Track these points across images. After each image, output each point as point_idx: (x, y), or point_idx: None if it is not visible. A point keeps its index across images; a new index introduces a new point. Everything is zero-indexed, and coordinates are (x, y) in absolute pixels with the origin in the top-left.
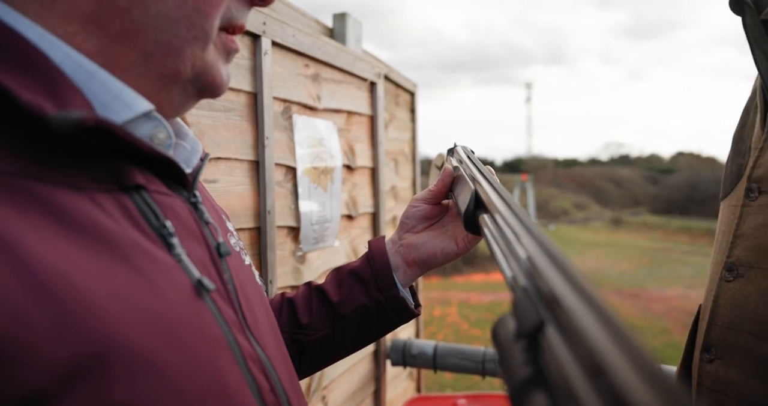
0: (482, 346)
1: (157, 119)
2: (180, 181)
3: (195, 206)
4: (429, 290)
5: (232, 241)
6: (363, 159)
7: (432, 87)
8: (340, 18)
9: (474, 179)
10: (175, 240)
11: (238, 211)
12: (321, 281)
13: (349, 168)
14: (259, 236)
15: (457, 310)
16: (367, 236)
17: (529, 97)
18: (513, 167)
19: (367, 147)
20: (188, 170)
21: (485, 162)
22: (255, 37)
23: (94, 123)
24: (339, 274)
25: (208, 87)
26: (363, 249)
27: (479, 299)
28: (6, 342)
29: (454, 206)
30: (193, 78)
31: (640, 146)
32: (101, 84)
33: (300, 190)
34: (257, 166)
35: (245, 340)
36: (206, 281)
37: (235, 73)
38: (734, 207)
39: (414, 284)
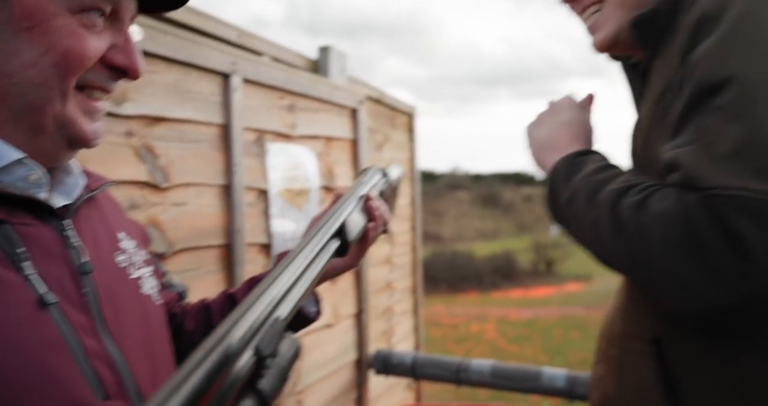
0: (519, 362)
1: (28, 165)
2: (52, 212)
3: (62, 232)
4: (466, 305)
5: (121, 257)
6: (344, 180)
7: (470, 102)
8: (324, 51)
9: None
10: (26, 263)
11: (208, 230)
12: None
13: (327, 189)
14: (228, 252)
15: (495, 326)
16: None
17: None
18: None
19: (349, 169)
20: (65, 202)
21: (522, 177)
22: (225, 76)
23: None
24: (251, 283)
25: (74, 139)
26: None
27: (518, 316)
28: None
29: None
30: (58, 130)
31: None
32: None
33: (273, 210)
34: (227, 190)
35: (95, 341)
36: (50, 296)
37: (206, 108)
38: None
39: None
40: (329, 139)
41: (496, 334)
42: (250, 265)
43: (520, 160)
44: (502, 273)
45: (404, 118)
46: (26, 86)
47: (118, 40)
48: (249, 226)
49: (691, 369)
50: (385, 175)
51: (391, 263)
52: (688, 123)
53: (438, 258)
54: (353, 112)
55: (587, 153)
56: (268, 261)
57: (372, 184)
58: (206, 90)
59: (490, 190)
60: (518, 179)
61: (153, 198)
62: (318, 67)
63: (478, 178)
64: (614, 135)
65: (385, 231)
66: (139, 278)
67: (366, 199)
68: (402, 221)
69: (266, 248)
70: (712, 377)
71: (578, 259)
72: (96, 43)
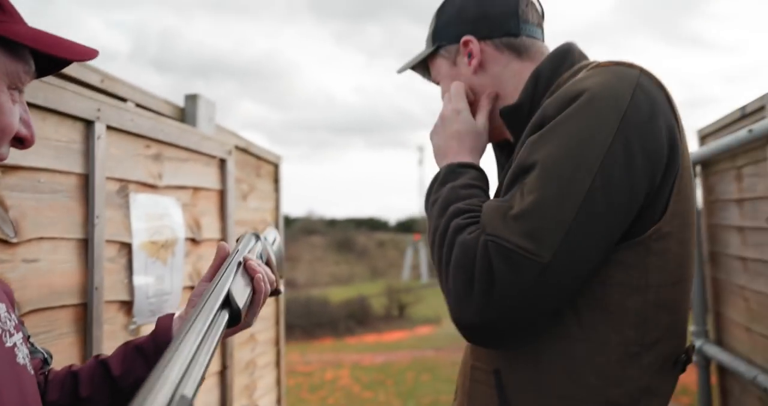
0: None
1: None
2: None
3: None
4: (322, 352)
5: None
6: (211, 231)
7: (325, 148)
8: (192, 99)
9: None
10: None
11: (62, 288)
12: None
13: (194, 241)
14: (85, 312)
15: (349, 372)
16: None
17: (422, 160)
18: (406, 227)
19: (216, 220)
20: None
21: (375, 223)
22: (88, 123)
23: None
24: (126, 348)
25: None
26: None
27: (372, 360)
28: None
29: None
30: None
31: None
32: None
33: (135, 265)
34: (86, 244)
35: None
36: None
37: (64, 157)
38: None
39: None
40: (196, 189)
41: (350, 380)
42: (108, 325)
43: (374, 207)
44: (356, 318)
45: (270, 167)
46: None
47: (21, 111)
48: (109, 282)
49: (520, 397)
50: (258, 238)
51: None
52: (509, 189)
53: (293, 304)
54: (222, 163)
55: (469, 167)
56: (128, 319)
57: (248, 249)
58: (65, 137)
59: (345, 235)
60: (372, 225)
61: (0, 254)
62: (185, 115)
63: (332, 223)
64: None
65: (276, 292)
66: (14, 346)
67: (244, 262)
68: None
69: (127, 304)
70: (533, 403)
71: (429, 303)
72: (17, 117)
